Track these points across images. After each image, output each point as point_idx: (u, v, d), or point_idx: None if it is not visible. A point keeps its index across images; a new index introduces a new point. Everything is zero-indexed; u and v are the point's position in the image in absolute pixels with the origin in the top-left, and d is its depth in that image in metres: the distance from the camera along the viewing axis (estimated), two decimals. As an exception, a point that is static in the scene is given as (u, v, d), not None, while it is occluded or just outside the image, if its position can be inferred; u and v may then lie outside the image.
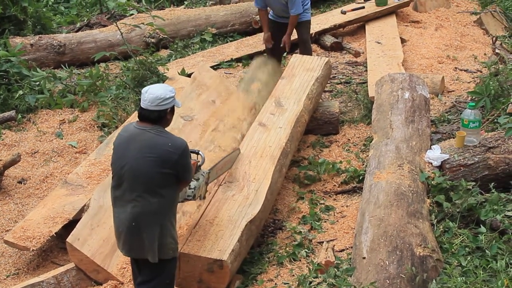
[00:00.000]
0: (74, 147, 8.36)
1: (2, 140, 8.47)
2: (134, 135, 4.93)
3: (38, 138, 8.54)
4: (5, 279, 6.41)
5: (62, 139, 8.54)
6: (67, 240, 6.10)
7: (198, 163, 5.58)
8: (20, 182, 7.74)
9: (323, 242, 6.33)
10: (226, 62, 10.91)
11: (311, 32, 11.36)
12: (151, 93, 4.91)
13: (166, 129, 5.05)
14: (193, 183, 5.43)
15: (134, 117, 7.69)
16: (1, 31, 11.07)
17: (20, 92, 9.17)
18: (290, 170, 7.49)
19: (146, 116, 4.93)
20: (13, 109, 9.01)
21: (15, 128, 8.83)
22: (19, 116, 8.96)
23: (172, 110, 5.04)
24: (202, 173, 5.61)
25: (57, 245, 6.76)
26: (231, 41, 11.98)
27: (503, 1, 12.48)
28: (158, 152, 4.84)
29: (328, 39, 11.54)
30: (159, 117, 4.94)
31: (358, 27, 12.18)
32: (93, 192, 6.58)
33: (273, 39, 9.55)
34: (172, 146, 4.88)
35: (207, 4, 13.60)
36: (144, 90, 4.98)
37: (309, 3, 9.46)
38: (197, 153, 5.64)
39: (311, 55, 9.50)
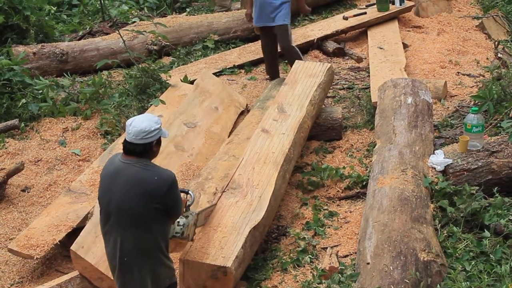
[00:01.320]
0: (78, 155, 8.37)
1: (6, 148, 8.48)
2: (119, 170, 4.76)
3: (41, 146, 8.55)
4: (9, 287, 6.41)
5: (65, 147, 8.55)
6: (71, 248, 6.10)
7: (188, 203, 5.44)
8: (23, 191, 7.75)
9: (327, 248, 6.32)
10: (228, 68, 10.92)
11: (313, 38, 11.43)
12: (135, 126, 4.71)
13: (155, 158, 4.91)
14: (182, 220, 5.30)
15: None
16: (4, 40, 11.11)
17: (23, 100, 9.19)
18: (293, 176, 7.50)
19: (131, 149, 4.75)
20: (16, 118, 9.02)
21: (18, 136, 8.84)
22: (22, 124, 8.97)
23: (158, 141, 4.86)
24: (191, 213, 5.47)
25: (61, 253, 6.76)
26: (233, 47, 11.99)
27: (505, 6, 12.50)
28: (144, 187, 4.67)
29: (330, 45, 11.56)
30: (144, 150, 4.76)
31: (360, 32, 12.20)
32: (97, 200, 6.58)
33: (265, 44, 10.11)
34: (159, 180, 4.71)
35: (214, 10, 13.61)
36: (128, 122, 4.77)
37: (288, 7, 9.76)
38: (187, 193, 5.47)
39: (300, 59, 9.70)
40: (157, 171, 4.78)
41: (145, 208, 4.68)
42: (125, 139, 4.79)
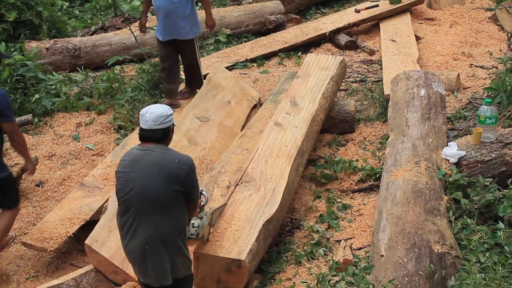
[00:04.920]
0: (91, 149, 8.40)
1: (20, 144, 8.52)
2: (139, 157, 4.84)
3: (55, 141, 8.58)
4: (24, 281, 6.45)
5: (78, 141, 8.58)
6: (86, 242, 6.14)
7: (202, 203, 5.47)
8: (37, 185, 7.78)
9: (340, 240, 6.32)
10: (241, 62, 10.92)
11: (325, 32, 11.42)
12: (153, 112, 4.83)
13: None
14: (196, 222, 5.31)
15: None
16: (17, 35, 11.13)
17: (37, 96, 9.21)
18: (306, 169, 7.49)
19: (150, 136, 4.85)
20: (29, 113, 9.05)
21: (32, 131, 8.87)
22: (36, 119, 9.00)
23: (173, 127, 4.99)
24: (206, 213, 5.49)
25: (76, 247, 6.80)
26: (245, 41, 11.99)
27: (517, -3, 12.44)
28: (165, 170, 4.76)
29: (343, 38, 11.54)
30: (164, 135, 4.88)
31: (372, 25, 12.18)
32: (111, 194, 6.60)
33: (165, 60, 9.01)
34: (179, 162, 4.80)
35: (227, 4, 13.59)
36: (143, 111, 4.88)
37: (197, 19, 8.91)
38: (200, 193, 5.47)
39: (200, 83, 9.17)
40: (176, 155, 4.89)
41: (166, 191, 4.75)
42: (141, 128, 4.88)
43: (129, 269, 6.01)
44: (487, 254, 5.54)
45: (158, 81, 9.45)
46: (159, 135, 4.85)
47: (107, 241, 6.13)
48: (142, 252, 4.82)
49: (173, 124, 4.98)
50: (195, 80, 9.23)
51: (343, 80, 9.41)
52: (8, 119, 6.27)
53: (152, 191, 4.75)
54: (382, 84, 9.19)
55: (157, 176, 4.75)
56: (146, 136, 4.86)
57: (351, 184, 7.42)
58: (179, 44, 8.80)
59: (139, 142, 4.97)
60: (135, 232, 4.82)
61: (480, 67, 10.10)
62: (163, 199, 4.76)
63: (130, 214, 4.82)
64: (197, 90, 9.18)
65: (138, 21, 9.50)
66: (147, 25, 9.41)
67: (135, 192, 4.78)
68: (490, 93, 7.85)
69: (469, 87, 9.36)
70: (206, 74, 9.57)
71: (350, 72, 10.27)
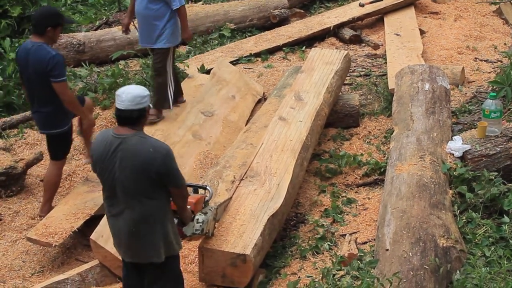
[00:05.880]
0: (96, 144, 8.38)
1: (25, 139, 8.53)
2: (116, 145, 4.76)
3: (60, 137, 8.57)
4: (30, 277, 6.46)
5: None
6: (91, 237, 6.15)
7: (206, 198, 5.46)
8: (42, 181, 7.77)
9: (345, 234, 6.32)
10: (245, 57, 10.90)
11: (329, 26, 11.40)
12: (130, 93, 4.74)
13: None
14: (201, 217, 5.29)
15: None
16: (21, 31, 11.13)
17: (42, 91, 9.20)
18: (311, 163, 7.49)
19: (127, 117, 4.75)
20: (34, 108, 9.05)
21: (37, 127, 8.86)
22: (41, 115, 9.00)
23: (149, 108, 4.90)
24: (210, 208, 5.48)
25: (81, 242, 6.82)
26: (249, 36, 11.96)
27: (522, -10, 12.41)
28: (140, 159, 4.70)
29: (347, 32, 11.51)
30: (140, 116, 4.79)
31: (376, 19, 12.14)
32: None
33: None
34: (153, 152, 4.73)
35: None
36: (119, 92, 4.78)
37: (175, 29, 8.30)
38: (205, 188, 5.52)
39: (164, 103, 8.44)
40: (151, 143, 4.81)
41: (144, 180, 4.73)
42: (117, 109, 4.79)
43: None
44: (492, 248, 5.55)
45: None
46: (136, 116, 4.77)
47: (112, 236, 6.14)
48: (129, 233, 4.85)
49: (149, 106, 4.90)
50: (160, 99, 8.43)
51: (348, 75, 9.40)
52: (55, 79, 6.75)
53: (132, 180, 4.74)
54: (387, 78, 9.18)
55: (134, 166, 4.72)
56: (122, 116, 4.77)
57: (356, 178, 7.42)
58: (151, 52, 8.43)
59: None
60: (122, 215, 4.85)
61: (485, 61, 10.08)
62: (143, 188, 4.76)
63: (116, 198, 4.85)
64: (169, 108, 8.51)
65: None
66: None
67: (116, 182, 4.78)
68: (494, 87, 7.85)
69: (474, 81, 9.35)
70: (210, 69, 9.58)
71: (355, 67, 10.25)
